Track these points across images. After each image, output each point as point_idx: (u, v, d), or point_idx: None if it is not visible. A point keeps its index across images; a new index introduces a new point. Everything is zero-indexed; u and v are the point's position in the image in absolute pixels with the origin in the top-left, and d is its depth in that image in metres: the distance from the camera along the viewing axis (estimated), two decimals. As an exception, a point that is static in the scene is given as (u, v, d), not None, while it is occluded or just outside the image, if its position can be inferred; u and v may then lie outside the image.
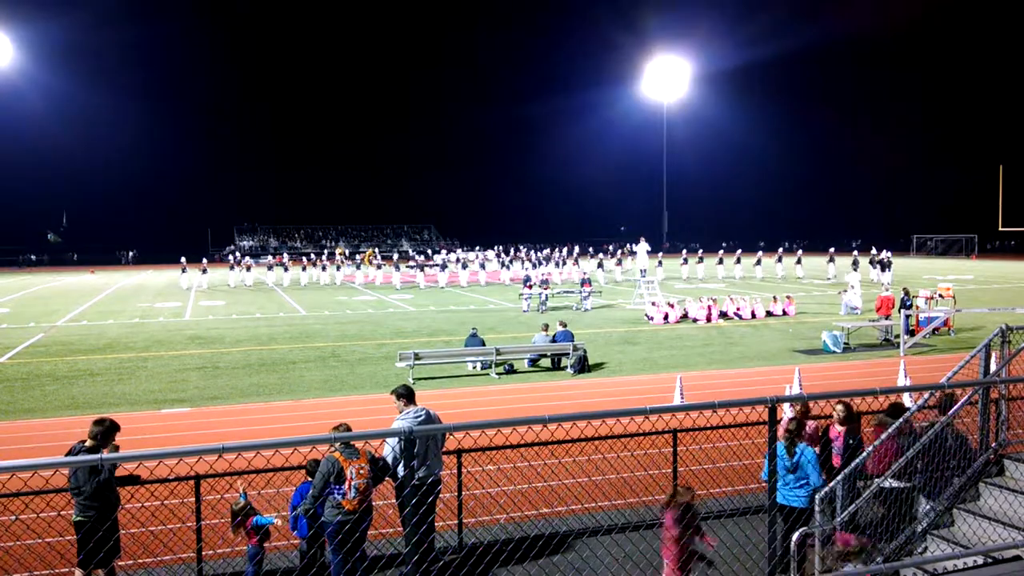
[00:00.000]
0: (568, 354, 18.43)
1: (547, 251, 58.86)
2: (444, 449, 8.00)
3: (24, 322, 28.32)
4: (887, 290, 25.87)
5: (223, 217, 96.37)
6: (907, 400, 12.98)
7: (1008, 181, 64.51)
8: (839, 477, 6.57)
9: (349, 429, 7.05)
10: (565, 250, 62.39)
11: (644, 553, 6.86)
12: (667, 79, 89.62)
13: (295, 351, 21.23)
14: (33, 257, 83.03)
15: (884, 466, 6.85)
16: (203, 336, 24.35)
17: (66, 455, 7.05)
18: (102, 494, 6.64)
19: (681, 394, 14.34)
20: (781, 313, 28.25)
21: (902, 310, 22.24)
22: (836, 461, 7.80)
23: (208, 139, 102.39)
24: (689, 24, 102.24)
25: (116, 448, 6.92)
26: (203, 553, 7.52)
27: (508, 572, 7.68)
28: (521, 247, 66.92)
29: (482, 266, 48.12)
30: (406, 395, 7.78)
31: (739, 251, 51.90)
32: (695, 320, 26.82)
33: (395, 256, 52.62)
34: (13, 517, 7.55)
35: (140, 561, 7.84)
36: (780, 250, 52.49)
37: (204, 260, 50.43)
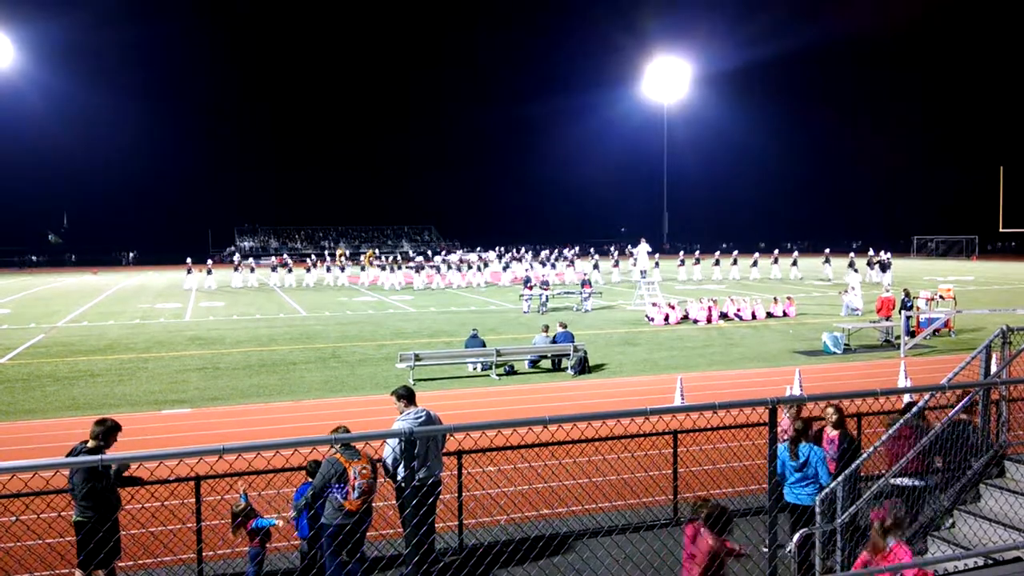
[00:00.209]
0: (568, 355, 18.42)
1: (545, 252, 58.82)
2: (444, 450, 7.99)
3: (25, 323, 28.32)
4: (887, 291, 25.86)
5: (223, 218, 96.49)
6: (907, 401, 12.97)
7: (1008, 182, 64.46)
8: (840, 478, 6.57)
9: (347, 431, 7.04)
10: (558, 251, 62.41)
11: (644, 554, 6.86)
12: (667, 80, 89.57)
13: (295, 352, 21.23)
14: (34, 258, 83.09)
15: (902, 466, 6.90)
16: (203, 337, 24.36)
17: (67, 456, 7.05)
18: (102, 495, 6.63)
19: (681, 395, 14.34)
20: (781, 314, 28.24)
21: (903, 311, 22.23)
22: (832, 467, 7.78)
23: (208, 139, 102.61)
24: (689, 25, 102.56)
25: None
26: (203, 554, 7.52)
27: (508, 573, 7.68)
28: (519, 248, 66.89)
29: (479, 268, 48.07)
30: (406, 396, 7.78)
31: (735, 252, 51.96)
32: (695, 321, 26.81)
33: (390, 258, 52.57)
34: (14, 518, 7.55)
35: (140, 562, 7.84)
36: (776, 251, 52.52)
37: (209, 261, 50.59)
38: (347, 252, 71.98)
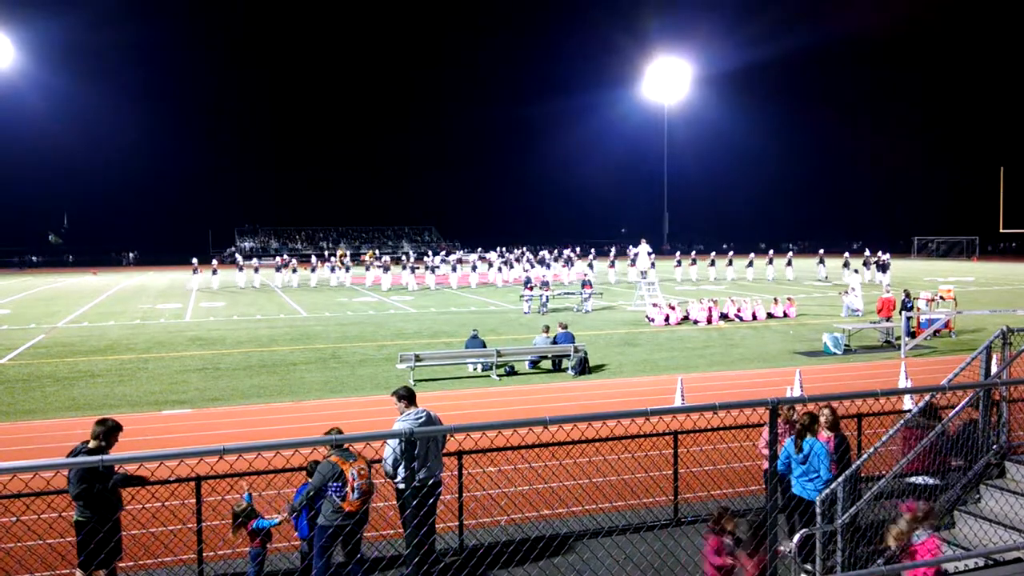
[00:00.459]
0: (569, 356, 18.42)
1: (544, 252, 58.79)
2: (445, 451, 8.00)
3: (25, 323, 28.33)
4: (888, 292, 25.86)
5: (224, 218, 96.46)
6: (908, 402, 12.97)
7: (1009, 183, 64.50)
8: (840, 479, 6.57)
9: (341, 433, 7.02)
10: (558, 251, 62.39)
11: (645, 555, 6.86)
12: (668, 80, 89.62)
13: (296, 352, 21.24)
14: (34, 258, 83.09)
15: (919, 464, 6.94)
16: (204, 337, 24.36)
17: (68, 456, 7.05)
18: (98, 497, 6.61)
19: (682, 396, 14.33)
20: (782, 315, 28.24)
21: (903, 312, 22.23)
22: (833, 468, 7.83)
23: (208, 139, 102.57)
24: (690, 25, 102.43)
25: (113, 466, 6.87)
26: (204, 554, 7.52)
27: (508, 574, 7.68)
28: (514, 249, 66.88)
29: (473, 268, 48.04)
30: (407, 396, 7.78)
31: (730, 253, 51.99)
32: (696, 322, 26.81)
33: (384, 258, 52.59)
34: (14, 519, 7.55)
35: (141, 562, 7.84)
36: (771, 252, 52.60)
37: (214, 262, 50.66)
38: (347, 252, 71.98)
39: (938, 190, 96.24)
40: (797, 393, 14.25)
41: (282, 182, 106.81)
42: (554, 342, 18.89)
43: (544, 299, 31.92)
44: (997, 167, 65.71)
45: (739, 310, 28.00)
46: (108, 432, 6.87)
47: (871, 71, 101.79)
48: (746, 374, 17.98)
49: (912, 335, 21.31)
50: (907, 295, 23.64)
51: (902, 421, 7.14)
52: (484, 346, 18.77)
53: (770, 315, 28.15)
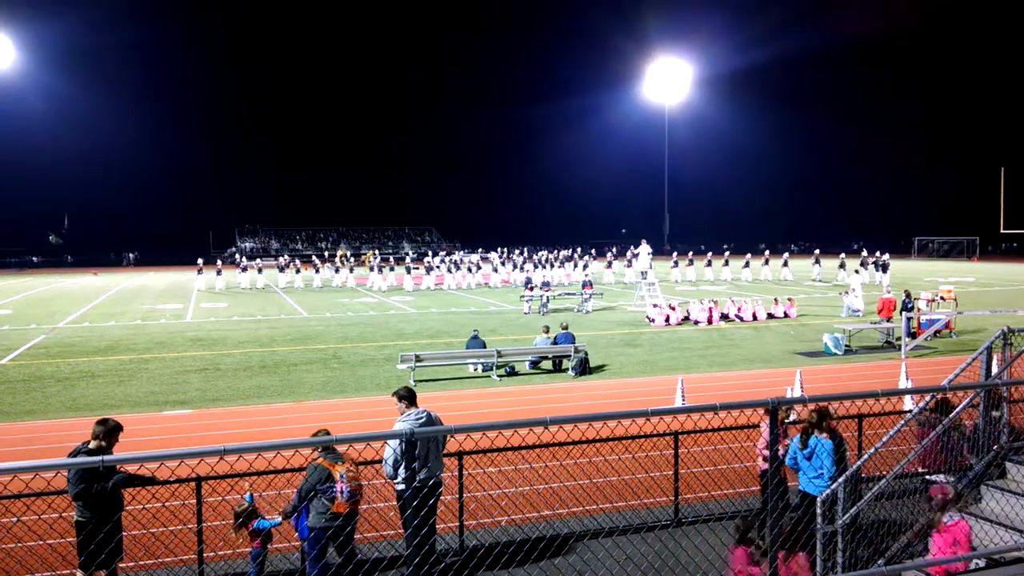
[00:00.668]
0: (569, 356, 18.42)
1: (543, 253, 58.81)
2: (445, 451, 8.00)
3: (26, 323, 28.34)
4: (888, 292, 25.86)
5: (224, 218, 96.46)
6: (908, 402, 12.97)
7: (1009, 183, 64.51)
8: (840, 479, 6.56)
9: (328, 434, 6.98)
10: (558, 252, 62.42)
11: (645, 555, 6.85)
12: (668, 81, 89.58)
13: (296, 353, 21.24)
14: (34, 259, 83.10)
15: (932, 462, 6.99)
16: (204, 338, 24.37)
17: (69, 456, 7.05)
18: (96, 498, 6.61)
19: (682, 396, 14.33)
20: (782, 315, 28.24)
21: (903, 312, 22.22)
22: None
23: (208, 139, 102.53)
24: (690, 26, 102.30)
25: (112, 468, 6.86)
26: (204, 555, 7.52)
27: (509, 574, 7.68)
28: (511, 250, 66.89)
29: (469, 269, 48.03)
30: (407, 397, 7.78)
31: (726, 254, 52.06)
32: (696, 322, 26.81)
33: (378, 259, 52.63)
34: (15, 519, 7.55)
35: (141, 563, 7.84)
36: (767, 252, 52.67)
37: (219, 262, 50.77)
38: (348, 253, 71.98)
39: (938, 190, 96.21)
40: (798, 393, 14.25)
41: (282, 182, 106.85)
42: (555, 342, 18.89)
43: (544, 300, 31.93)
44: (997, 167, 65.75)
45: (739, 310, 28.00)
46: (109, 432, 6.86)
47: (871, 71, 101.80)
48: (747, 374, 17.98)
49: (912, 335, 21.31)
50: (907, 295, 23.63)
51: (905, 420, 7.13)
52: (485, 346, 18.78)
53: (770, 315, 28.15)
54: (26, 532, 7.87)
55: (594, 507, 9.26)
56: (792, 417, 10.54)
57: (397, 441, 7.10)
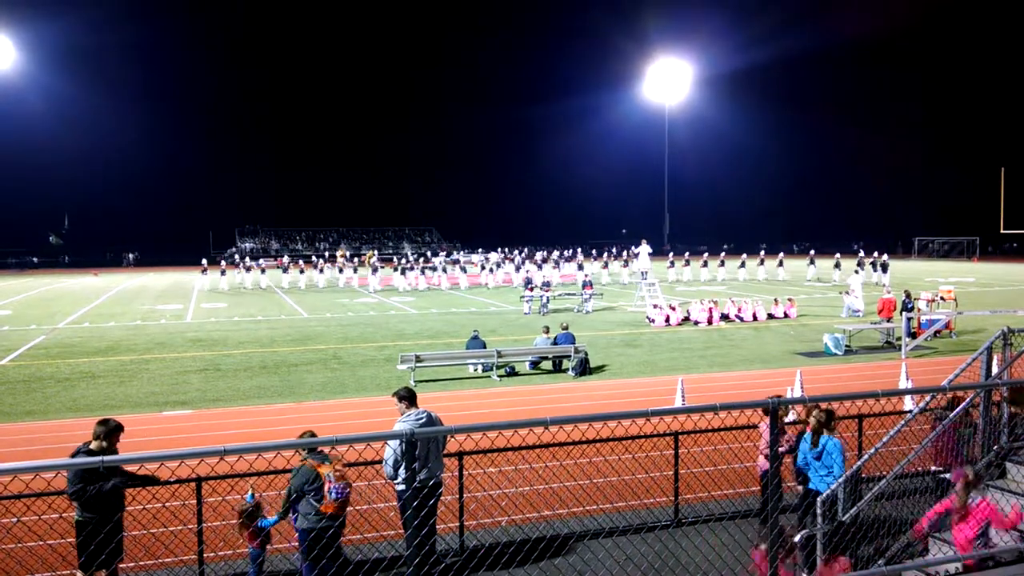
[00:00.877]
0: (569, 356, 18.42)
1: (541, 254, 58.87)
2: (445, 451, 8.00)
3: (26, 324, 28.34)
4: (888, 292, 25.86)
5: (224, 219, 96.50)
6: (909, 402, 12.97)
7: (1009, 183, 64.51)
8: (840, 479, 6.57)
9: (314, 435, 6.96)
10: (558, 252, 62.46)
11: (645, 556, 6.86)
12: (668, 81, 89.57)
13: (296, 353, 21.24)
14: (34, 259, 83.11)
15: (944, 459, 7.02)
16: (205, 338, 24.37)
17: (71, 456, 7.05)
18: (94, 499, 6.60)
19: (682, 396, 14.33)
20: (782, 315, 28.24)
21: (903, 312, 22.22)
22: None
23: (208, 139, 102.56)
24: (690, 26, 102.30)
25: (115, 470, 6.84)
26: (204, 555, 7.52)
27: (509, 574, 7.68)
28: (509, 250, 66.93)
29: (463, 270, 48.06)
30: (408, 397, 7.78)
31: (722, 254, 52.09)
32: (696, 323, 26.81)
33: (372, 259, 52.71)
34: (15, 519, 7.55)
35: (141, 563, 7.84)
36: (762, 253, 52.70)
37: (223, 263, 50.88)
38: (348, 253, 72.00)
39: (938, 190, 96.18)
40: (798, 394, 14.24)
41: (282, 182, 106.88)
42: (555, 343, 18.89)
43: (545, 300, 31.93)
44: (998, 167, 65.74)
45: (739, 311, 28.00)
46: (110, 433, 6.86)
47: (871, 71, 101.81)
48: (747, 375, 17.98)
49: (913, 336, 21.31)
50: (907, 296, 23.63)
51: (907, 418, 7.13)
52: (485, 347, 18.78)
53: (770, 316, 28.15)
54: (26, 532, 7.87)
55: (594, 507, 9.26)
56: (791, 417, 10.55)
57: (397, 441, 7.09)
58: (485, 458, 8.41)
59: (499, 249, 65.86)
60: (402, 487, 7.47)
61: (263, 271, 48.23)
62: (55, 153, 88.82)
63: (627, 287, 43.92)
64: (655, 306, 28.18)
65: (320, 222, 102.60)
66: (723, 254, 52.09)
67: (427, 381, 17.24)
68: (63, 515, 7.03)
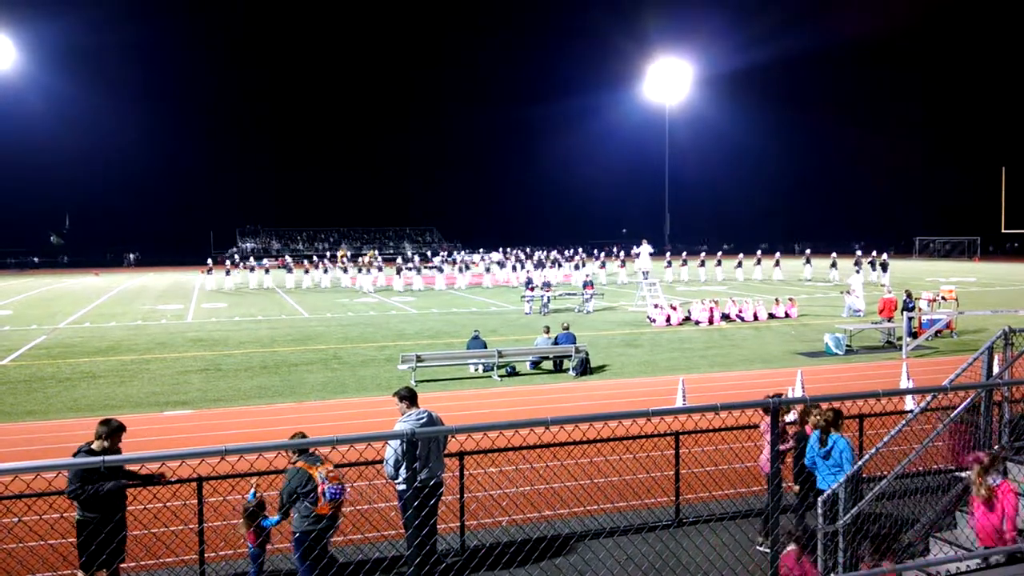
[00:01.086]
0: (570, 356, 18.42)
1: (540, 254, 58.85)
2: (446, 451, 7.99)
3: (27, 324, 28.35)
4: (889, 292, 25.86)
5: (224, 219, 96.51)
6: (910, 402, 12.97)
7: (1010, 183, 64.50)
8: (842, 479, 6.56)
9: (305, 436, 6.93)
10: (558, 252, 62.46)
11: (646, 556, 6.86)
12: (669, 81, 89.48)
13: (297, 353, 21.24)
14: (35, 259, 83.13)
15: (962, 459, 7.07)
16: (205, 338, 24.37)
17: (72, 456, 7.05)
18: (93, 499, 6.60)
19: (683, 396, 14.33)
20: (783, 315, 28.24)
21: (904, 312, 22.21)
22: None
23: (208, 139, 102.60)
24: (691, 26, 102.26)
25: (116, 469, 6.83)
26: (205, 555, 7.52)
27: (510, 574, 7.68)
28: (508, 251, 66.92)
29: (461, 270, 48.04)
30: (408, 397, 7.78)
31: (719, 254, 52.10)
32: (697, 323, 26.80)
33: (366, 259, 52.79)
34: (16, 519, 7.55)
35: (142, 563, 7.85)
36: (759, 253, 52.70)
37: (228, 263, 50.99)
38: (348, 253, 72.02)
39: (939, 190, 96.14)
40: (799, 394, 14.24)
41: (282, 182, 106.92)
42: (555, 343, 18.88)
43: (545, 300, 31.93)
44: (998, 167, 65.73)
45: (740, 311, 28.00)
46: (111, 433, 6.86)
47: (871, 71, 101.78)
48: (748, 375, 17.97)
49: (914, 335, 21.31)
50: (908, 295, 23.62)
51: (910, 418, 7.13)
52: (485, 347, 18.78)
53: (771, 315, 28.15)
54: (27, 532, 7.87)
55: (595, 507, 9.25)
56: (791, 417, 10.54)
57: (398, 441, 7.09)
58: (486, 458, 8.41)
59: (499, 249, 65.86)
60: (403, 487, 7.47)
61: (267, 271, 48.23)
62: (55, 153, 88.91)
63: (625, 287, 43.90)
64: (656, 306, 28.19)
65: (320, 222, 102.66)
66: (720, 254, 52.04)
67: (428, 381, 17.24)
68: (64, 515, 7.04)
